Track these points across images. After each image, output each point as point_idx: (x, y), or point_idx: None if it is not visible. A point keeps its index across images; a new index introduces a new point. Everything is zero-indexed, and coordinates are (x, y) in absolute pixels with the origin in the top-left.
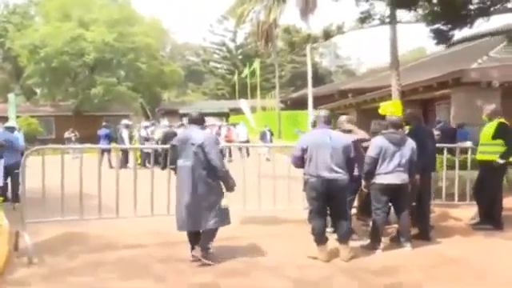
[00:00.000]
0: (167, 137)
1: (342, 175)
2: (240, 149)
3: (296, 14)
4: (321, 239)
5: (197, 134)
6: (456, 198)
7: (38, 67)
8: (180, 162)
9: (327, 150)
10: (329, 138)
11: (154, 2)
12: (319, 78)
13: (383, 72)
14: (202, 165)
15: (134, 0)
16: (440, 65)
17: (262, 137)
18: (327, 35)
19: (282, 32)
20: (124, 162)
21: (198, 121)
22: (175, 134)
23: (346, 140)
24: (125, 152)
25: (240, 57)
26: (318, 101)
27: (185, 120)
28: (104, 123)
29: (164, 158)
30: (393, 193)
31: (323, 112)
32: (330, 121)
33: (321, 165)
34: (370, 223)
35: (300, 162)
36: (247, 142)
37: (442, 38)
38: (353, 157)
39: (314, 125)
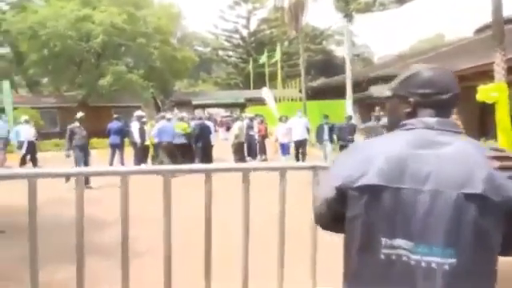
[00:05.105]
0: (203, 130)
1: None
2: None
3: None
4: None
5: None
6: None
7: (40, 55)
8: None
9: None
10: None
11: None
12: (335, 67)
13: (413, 58)
14: (481, 264)
15: None
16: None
17: (319, 134)
18: None
19: (336, 1)
20: (138, 162)
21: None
22: (209, 128)
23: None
24: (138, 149)
25: (253, 44)
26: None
27: (196, 112)
28: (115, 115)
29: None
30: None
31: None
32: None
33: None
34: None
35: None
36: (304, 142)
37: None
38: None
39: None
